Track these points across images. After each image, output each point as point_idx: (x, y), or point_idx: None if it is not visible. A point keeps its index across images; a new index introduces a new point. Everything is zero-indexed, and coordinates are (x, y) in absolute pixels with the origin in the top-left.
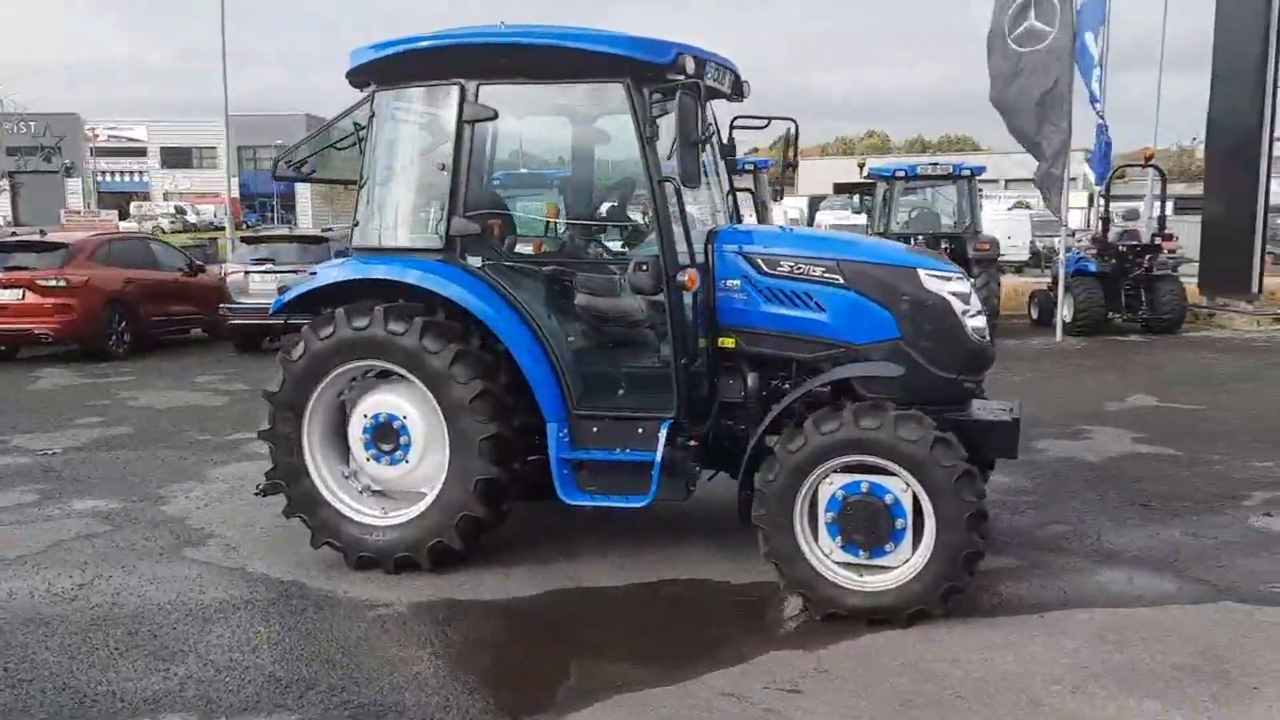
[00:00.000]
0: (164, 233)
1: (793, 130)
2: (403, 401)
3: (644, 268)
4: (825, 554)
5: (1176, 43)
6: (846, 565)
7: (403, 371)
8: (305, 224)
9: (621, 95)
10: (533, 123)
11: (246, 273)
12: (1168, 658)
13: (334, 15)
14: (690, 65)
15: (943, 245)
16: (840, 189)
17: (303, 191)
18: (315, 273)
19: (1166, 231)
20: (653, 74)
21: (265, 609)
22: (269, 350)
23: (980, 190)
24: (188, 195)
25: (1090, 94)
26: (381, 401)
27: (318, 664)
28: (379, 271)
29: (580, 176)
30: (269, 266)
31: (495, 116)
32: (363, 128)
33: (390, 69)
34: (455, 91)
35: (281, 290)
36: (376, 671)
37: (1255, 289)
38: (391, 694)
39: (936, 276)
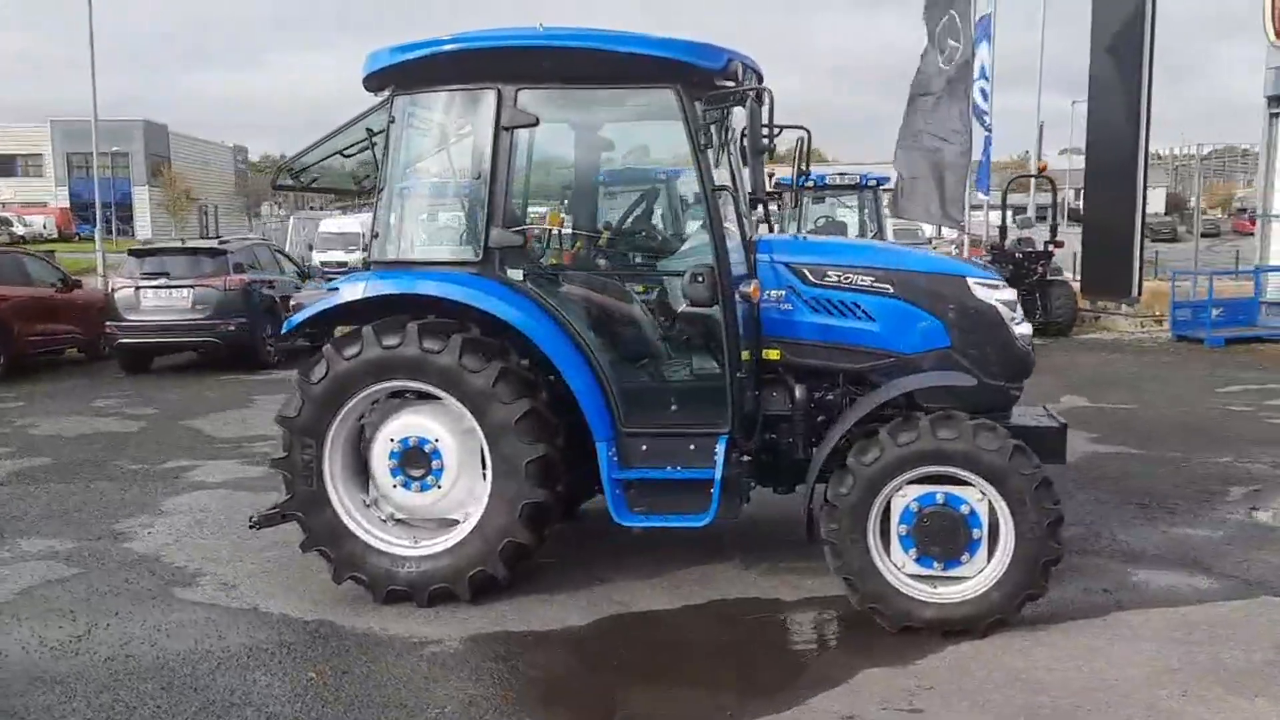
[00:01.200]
0: None
1: (806, 140)
2: (433, 424)
3: (700, 279)
4: (898, 567)
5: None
6: (920, 578)
7: (438, 392)
8: (144, 235)
9: (670, 101)
10: (573, 129)
11: (137, 288)
12: (1250, 655)
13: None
14: (740, 71)
15: None
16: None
17: (141, 201)
18: (337, 288)
19: (1058, 239)
20: (702, 80)
21: (304, 652)
22: (162, 370)
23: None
24: (11, 205)
25: (978, 108)
26: (410, 424)
27: (394, 709)
28: (423, 287)
29: (619, 185)
30: (163, 281)
31: (537, 123)
32: (377, 134)
33: (415, 72)
34: (492, 96)
35: (295, 308)
36: (459, 713)
37: (1135, 293)
38: None
39: (985, 285)
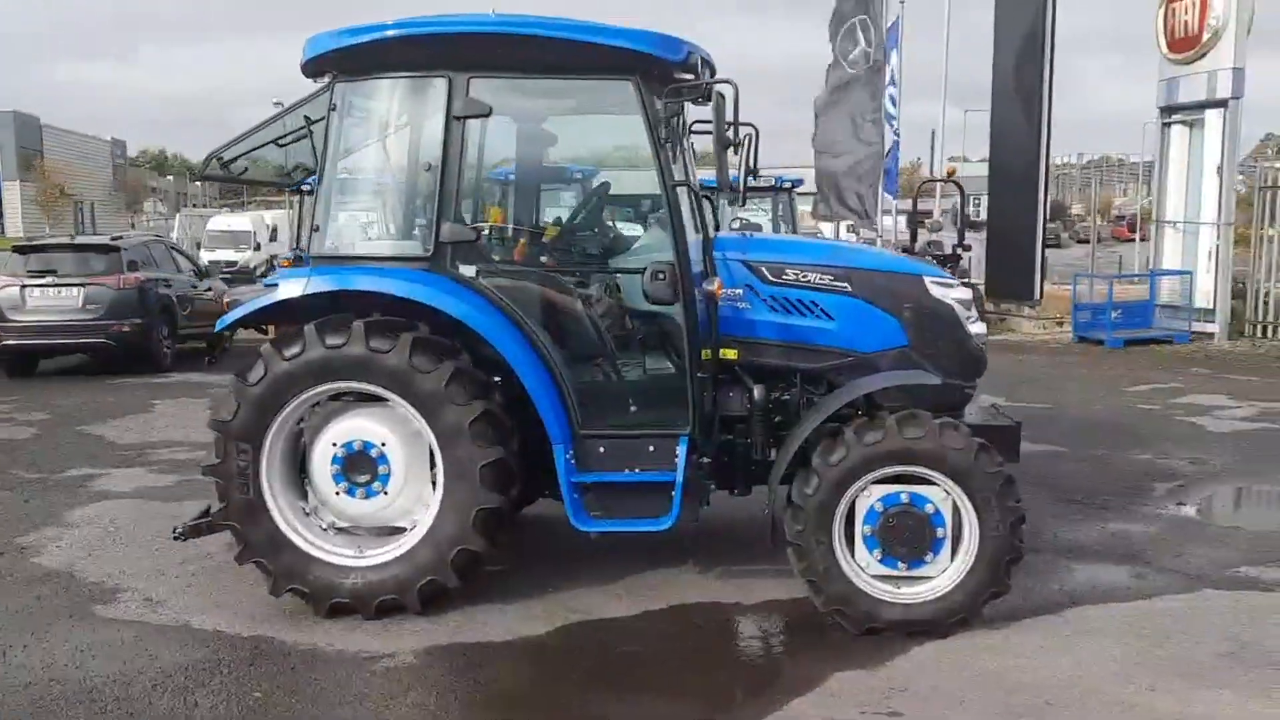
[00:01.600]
0: None
1: (754, 137)
2: (379, 427)
3: (661, 276)
4: (862, 568)
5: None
6: (884, 578)
7: (386, 394)
8: (15, 232)
9: (629, 93)
10: (525, 121)
11: (23, 287)
12: (1205, 648)
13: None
14: (699, 64)
15: None
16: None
17: (11, 196)
18: (275, 284)
19: (966, 242)
20: (661, 72)
21: (246, 671)
22: (49, 374)
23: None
24: None
25: (886, 113)
26: (354, 428)
27: None
28: (371, 283)
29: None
30: (51, 280)
31: (490, 113)
32: (315, 122)
33: (359, 58)
34: (442, 84)
35: (229, 305)
36: None
37: (1037, 296)
38: None
39: (940, 284)
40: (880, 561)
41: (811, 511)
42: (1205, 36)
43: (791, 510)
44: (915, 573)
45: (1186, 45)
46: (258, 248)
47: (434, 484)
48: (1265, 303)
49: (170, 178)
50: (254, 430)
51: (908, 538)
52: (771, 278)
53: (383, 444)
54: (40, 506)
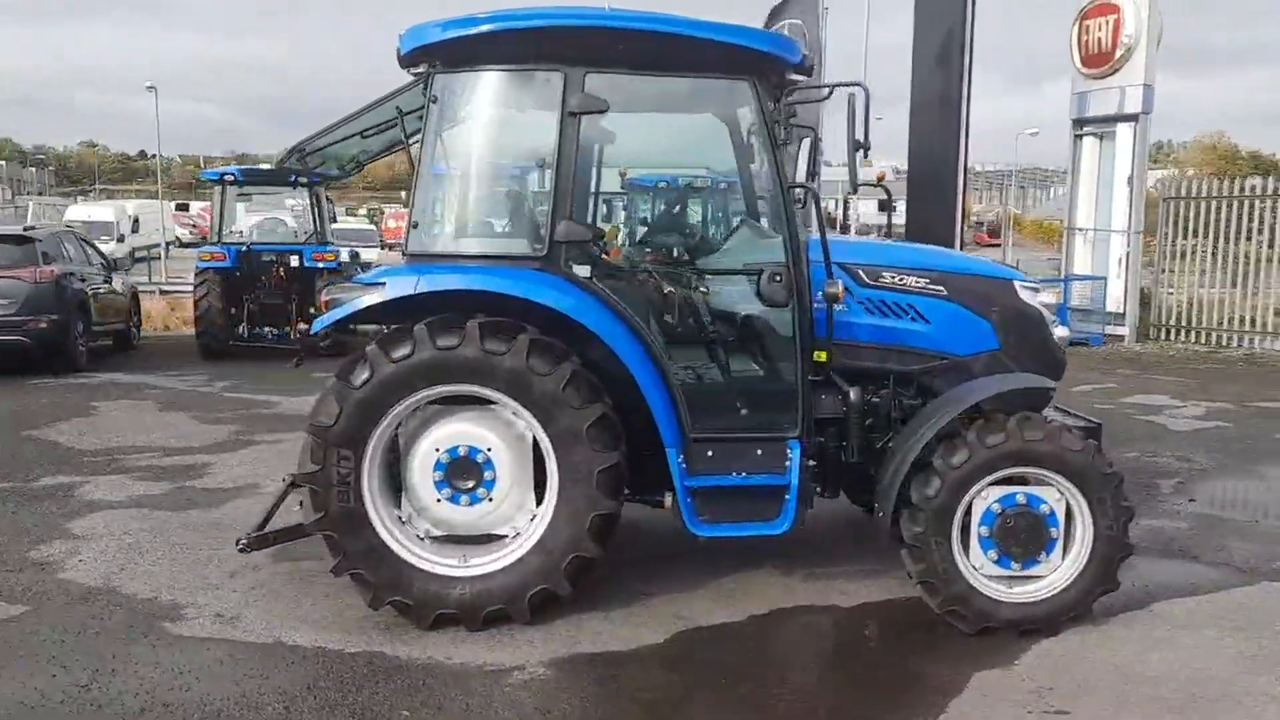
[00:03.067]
0: None
1: (862, 98)
2: (483, 431)
3: (778, 278)
4: (977, 568)
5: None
6: (997, 578)
7: (497, 397)
8: None
9: (745, 94)
10: (637, 118)
11: None
12: None
13: None
14: (812, 65)
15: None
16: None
17: None
18: (381, 281)
19: None
20: (778, 73)
21: (375, 687)
22: None
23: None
24: None
25: None
26: (458, 432)
27: None
28: (492, 283)
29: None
30: None
31: (606, 109)
32: (408, 114)
33: (466, 50)
34: (557, 79)
35: (328, 304)
36: None
37: None
38: None
39: (1029, 289)
40: (995, 562)
41: (932, 513)
42: (1118, 54)
43: (910, 512)
44: (1028, 572)
45: (1100, 61)
46: (121, 239)
47: (536, 489)
48: (1169, 308)
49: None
50: (357, 435)
51: (1024, 538)
52: (868, 280)
53: (488, 449)
54: (34, 518)
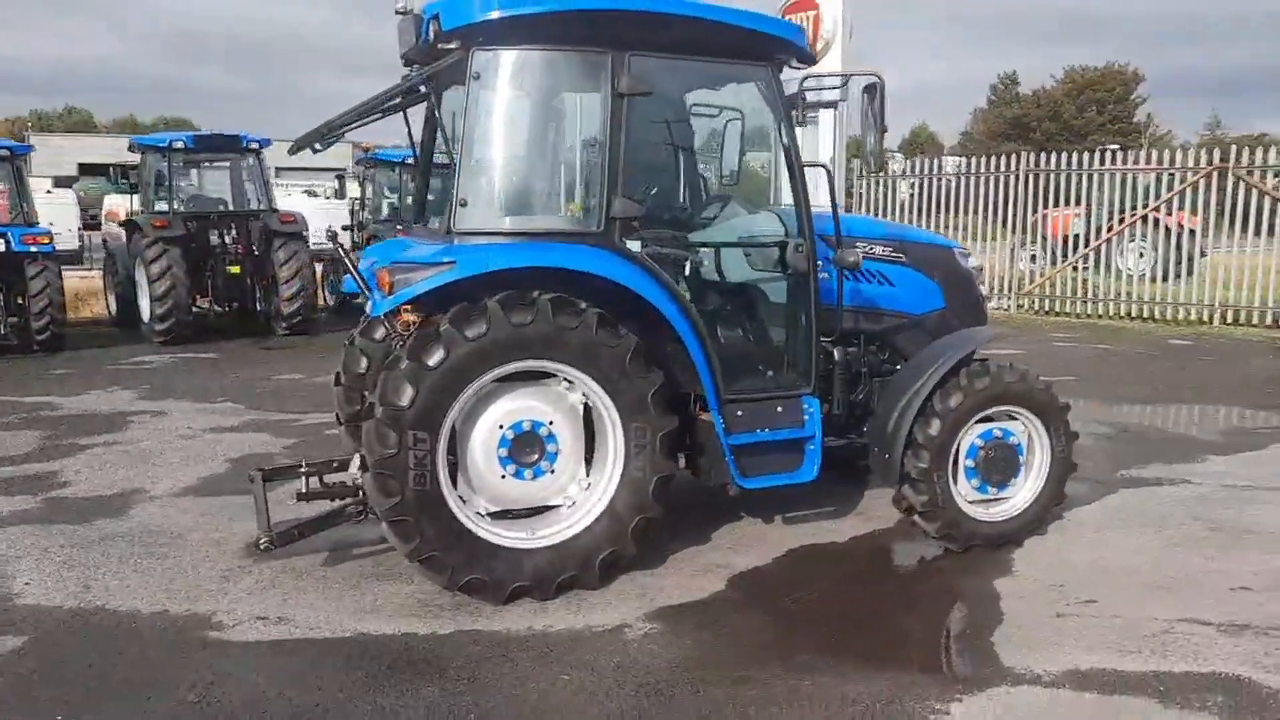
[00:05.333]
0: None
1: (879, 86)
2: (544, 405)
3: (800, 248)
4: (963, 496)
5: None
6: (977, 503)
7: (565, 369)
8: None
9: (765, 77)
10: (667, 101)
11: None
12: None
13: None
14: (816, 56)
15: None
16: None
17: None
18: (452, 260)
19: None
20: (788, 59)
21: (478, 666)
22: None
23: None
24: None
25: None
26: (522, 408)
27: (683, 689)
28: (563, 259)
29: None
30: None
31: (650, 92)
32: (439, 90)
33: (512, 29)
34: (605, 61)
35: (395, 284)
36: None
37: None
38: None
39: (962, 254)
40: (977, 489)
41: (934, 450)
42: (818, 46)
43: (913, 450)
44: (1001, 494)
45: None
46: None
47: (588, 459)
48: None
49: None
50: (433, 416)
51: (1000, 466)
52: (838, 249)
53: (550, 422)
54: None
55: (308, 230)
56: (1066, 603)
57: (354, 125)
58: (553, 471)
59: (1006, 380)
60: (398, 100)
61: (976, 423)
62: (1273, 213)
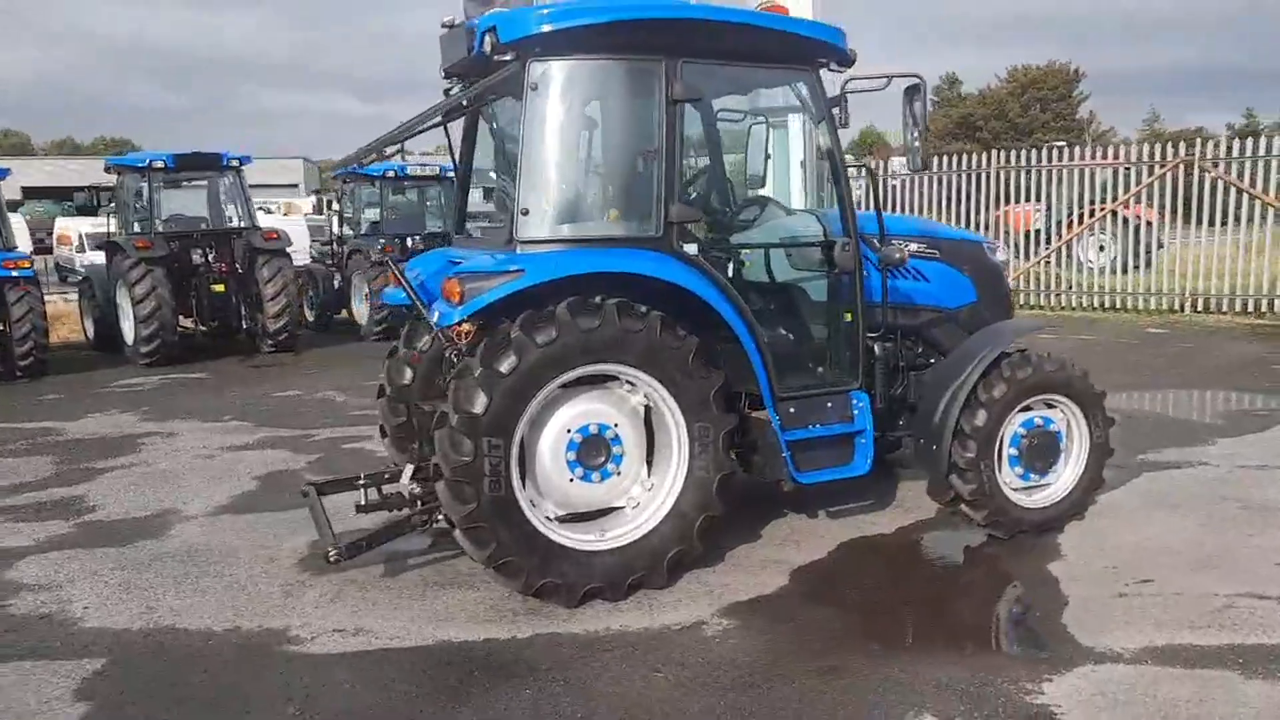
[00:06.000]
0: None
1: (921, 88)
2: (608, 408)
3: (847, 247)
4: (1008, 484)
5: None
6: (1020, 490)
7: (630, 372)
8: None
9: (811, 81)
10: (708, 106)
11: None
12: None
13: None
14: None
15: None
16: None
17: None
18: (521, 269)
19: None
20: (829, 62)
21: (575, 667)
22: None
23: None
24: None
25: None
26: (588, 411)
27: (775, 682)
28: (630, 265)
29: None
30: None
31: (701, 98)
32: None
33: (568, 39)
34: (658, 68)
35: (466, 294)
36: (866, 658)
37: None
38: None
39: (991, 248)
40: (1020, 476)
41: (981, 440)
42: None
43: (960, 440)
44: (1043, 481)
45: None
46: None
47: (648, 460)
48: None
49: None
50: (506, 422)
51: (1042, 453)
52: (881, 247)
53: (615, 424)
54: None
55: (291, 246)
56: (1124, 583)
57: (404, 138)
58: (619, 473)
59: (1047, 369)
60: (448, 113)
61: (1018, 412)
62: (1237, 204)
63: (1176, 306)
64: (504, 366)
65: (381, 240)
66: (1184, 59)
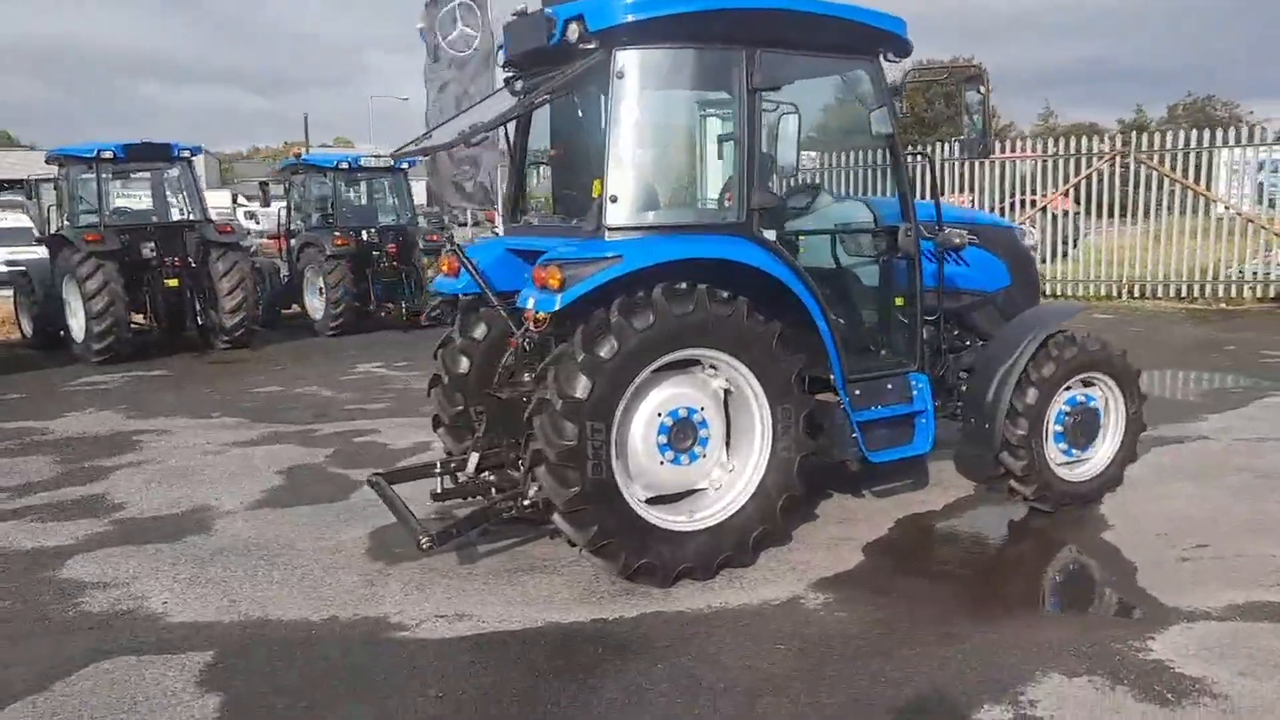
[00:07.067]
0: None
1: (984, 76)
2: (694, 391)
3: (910, 232)
4: (1052, 459)
5: None
6: (1063, 465)
7: (719, 356)
8: None
9: (875, 70)
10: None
11: None
12: None
13: None
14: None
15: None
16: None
17: None
18: (619, 255)
19: None
20: (888, 51)
21: (704, 644)
22: None
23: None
24: None
25: None
26: (676, 395)
27: (899, 649)
28: (715, 250)
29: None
30: None
31: (779, 87)
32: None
33: (656, 29)
34: (740, 57)
35: (565, 281)
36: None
37: None
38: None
39: (1022, 234)
40: (1064, 452)
41: (1032, 418)
42: None
43: (1012, 418)
44: (1084, 455)
45: None
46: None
47: (728, 440)
48: None
49: None
50: (608, 406)
51: (1084, 430)
52: (927, 235)
53: (702, 408)
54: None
55: (246, 240)
56: (1182, 548)
57: (493, 127)
58: (704, 456)
59: (1091, 349)
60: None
61: (1063, 390)
62: (1171, 193)
63: (1115, 293)
64: (604, 351)
65: (336, 233)
66: (1077, 56)
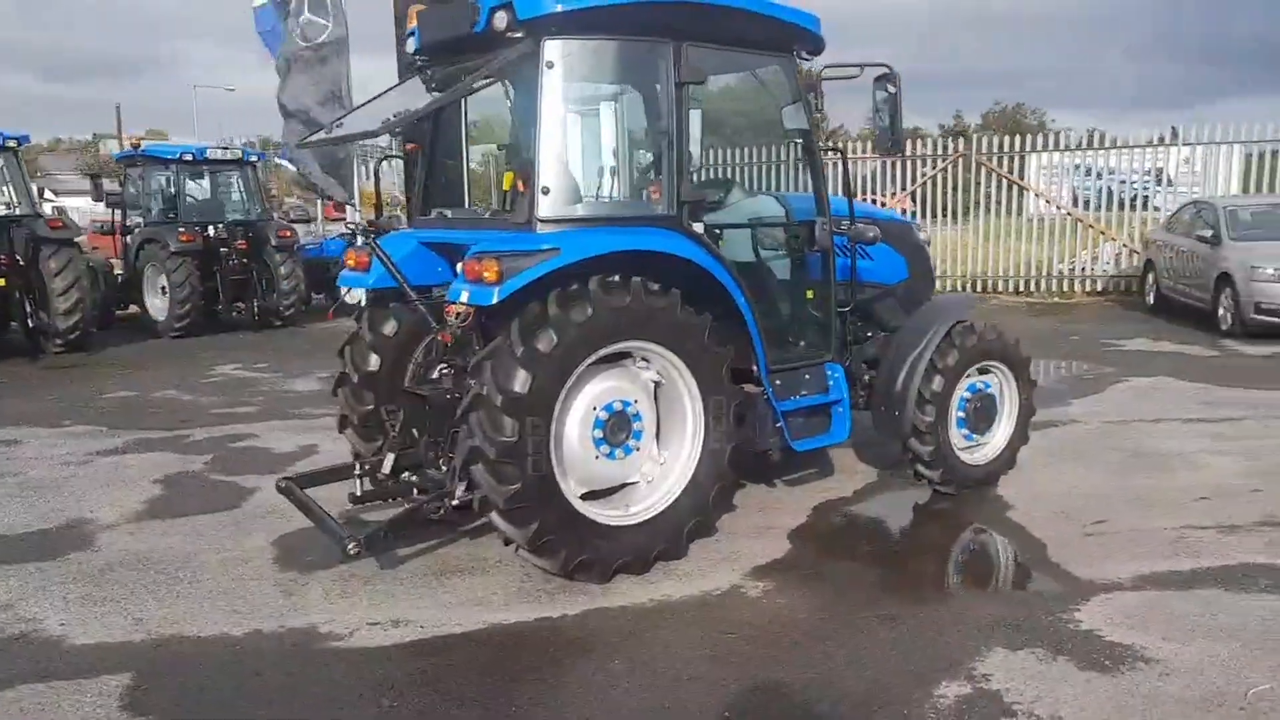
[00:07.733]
0: None
1: (893, 76)
2: (627, 385)
3: (825, 227)
4: (955, 445)
5: None
6: (963, 449)
7: (652, 348)
8: None
9: (790, 67)
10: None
11: None
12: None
13: None
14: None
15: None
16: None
17: None
18: (558, 247)
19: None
20: (804, 48)
21: (658, 636)
22: None
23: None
24: None
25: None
26: (610, 389)
27: (845, 631)
28: (652, 243)
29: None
30: None
31: (705, 80)
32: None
33: (579, 20)
34: (667, 50)
35: (501, 275)
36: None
37: None
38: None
39: (918, 229)
40: (965, 437)
41: (939, 404)
42: None
43: (920, 405)
44: (982, 440)
45: None
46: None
47: (658, 434)
48: None
49: None
50: (547, 400)
51: (983, 415)
52: (839, 229)
53: (635, 401)
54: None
55: (81, 236)
56: (1083, 524)
57: (409, 120)
58: (638, 449)
59: (989, 338)
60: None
61: (965, 378)
62: (1010, 194)
63: (959, 289)
64: (543, 345)
65: (181, 229)
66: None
